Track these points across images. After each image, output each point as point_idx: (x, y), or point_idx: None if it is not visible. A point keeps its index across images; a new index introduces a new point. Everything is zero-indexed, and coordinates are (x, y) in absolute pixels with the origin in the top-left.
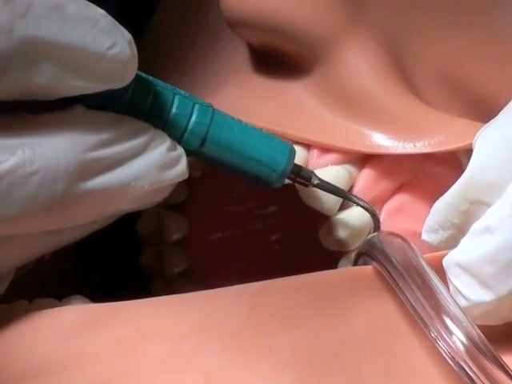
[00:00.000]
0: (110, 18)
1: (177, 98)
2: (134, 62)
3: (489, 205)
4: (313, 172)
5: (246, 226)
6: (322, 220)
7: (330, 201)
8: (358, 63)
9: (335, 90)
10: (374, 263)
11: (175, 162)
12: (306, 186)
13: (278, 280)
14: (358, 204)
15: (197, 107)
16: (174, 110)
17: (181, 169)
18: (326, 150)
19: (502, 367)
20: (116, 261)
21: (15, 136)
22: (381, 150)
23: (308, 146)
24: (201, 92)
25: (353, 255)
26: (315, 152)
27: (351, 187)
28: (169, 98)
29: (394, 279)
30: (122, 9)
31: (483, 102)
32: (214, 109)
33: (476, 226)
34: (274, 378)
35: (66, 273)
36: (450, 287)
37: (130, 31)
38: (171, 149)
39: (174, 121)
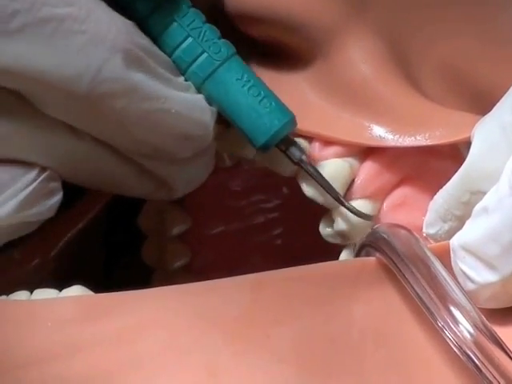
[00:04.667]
0: None
1: (188, 40)
2: None
3: None
4: (303, 152)
5: (248, 221)
6: (323, 214)
7: None
8: (360, 56)
9: (337, 83)
10: (378, 254)
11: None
12: (294, 163)
13: (279, 271)
14: (345, 207)
15: (203, 57)
16: (177, 51)
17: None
18: (327, 142)
19: (509, 356)
20: (117, 254)
21: None
22: (382, 143)
23: (310, 138)
24: None
25: (355, 247)
26: (317, 145)
27: (352, 180)
28: (179, 38)
29: (400, 270)
30: None
31: (484, 95)
32: (221, 63)
33: (477, 207)
34: (275, 370)
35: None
36: (457, 271)
37: None
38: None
39: (175, 61)
